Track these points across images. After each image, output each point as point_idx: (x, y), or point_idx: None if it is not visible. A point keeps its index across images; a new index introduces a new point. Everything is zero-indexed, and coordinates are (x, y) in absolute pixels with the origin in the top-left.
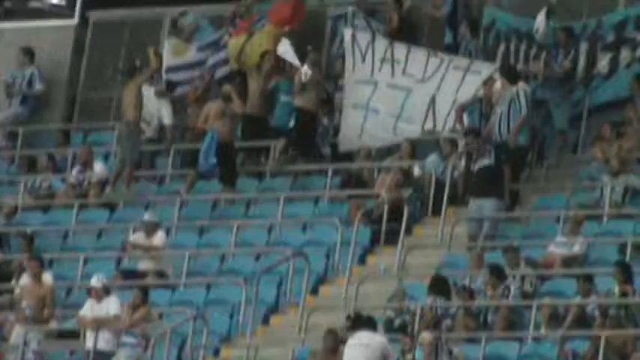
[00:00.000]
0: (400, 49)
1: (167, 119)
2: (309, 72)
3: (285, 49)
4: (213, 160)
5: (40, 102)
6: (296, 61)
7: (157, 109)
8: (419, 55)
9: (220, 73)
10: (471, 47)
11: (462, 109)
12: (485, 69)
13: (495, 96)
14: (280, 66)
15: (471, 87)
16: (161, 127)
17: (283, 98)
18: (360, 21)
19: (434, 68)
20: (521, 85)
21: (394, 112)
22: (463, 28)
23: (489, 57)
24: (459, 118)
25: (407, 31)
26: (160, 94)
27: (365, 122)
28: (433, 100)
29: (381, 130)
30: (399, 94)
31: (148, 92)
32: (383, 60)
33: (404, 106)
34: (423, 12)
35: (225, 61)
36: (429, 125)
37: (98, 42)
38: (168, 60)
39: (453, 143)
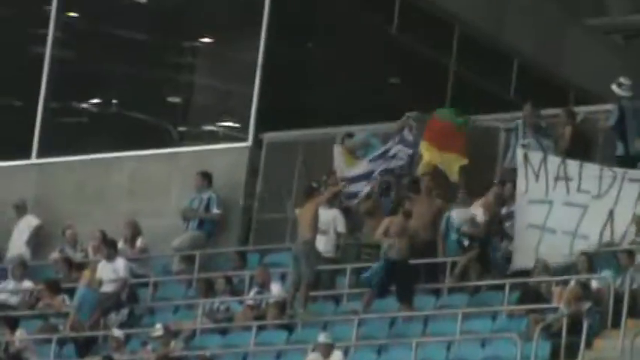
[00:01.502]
0: (572, 166)
1: (341, 227)
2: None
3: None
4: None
5: (217, 225)
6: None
7: (332, 219)
8: (592, 170)
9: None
10: None
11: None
12: None
13: None
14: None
15: None
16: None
17: (453, 236)
18: (531, 140)
19: (609, 182)
20: None
21: (570, 229)
22: (637, 141)
23: None
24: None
25: (580, 144)
26: (331, 203)
27: (540, 243)
28: (611, 214)
29: (558, 249)
30: (576, 212)
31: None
32: (557, 178)
33: (580, 223)
34: (595, 125)
35: (391, 170)
36: (606, 238)
37: (272, 163)
38: (343, 171)
39: (631, 254)
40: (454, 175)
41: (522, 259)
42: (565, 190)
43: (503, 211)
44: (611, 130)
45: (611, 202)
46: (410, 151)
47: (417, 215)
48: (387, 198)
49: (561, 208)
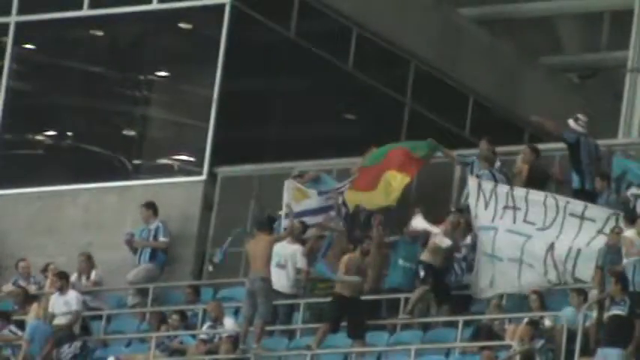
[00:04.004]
0: (519, 196)
1: (301, 263)
2: (448, 242)
3: (417, 223)
4: None
5: (170, 258)
6: (433, 229)
7: (292, 254)
8: (536, 199)
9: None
10: (612, 199)
11: (600, 267)
12: (599, 215)
13: (626, 245)
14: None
15: (586, 235)
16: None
17: (401, 263)
18: (485, 171)
19: (552, 216)
20: None
21: (515, 256)
22: (598, 181)
23: (626, 209)
24: (597, 275)
25: (537, 181)
26: (291, 240)
27: (494, 271)
28: (551, 247)
29: (507, 277)
30: (518, 239)
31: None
32: (505, 207)
33: (523, 251)
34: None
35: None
36: (551, 276)
37: (226, 197)
38: (289, 205)
39: (582, 293)
40: (390, 198)
41: (481, 289)
42: (512, 220)
43: (468, 240)
44: (563, 140)
45: (553, 237)
46: None
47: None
48: (330, 235)
49: (504, 235)
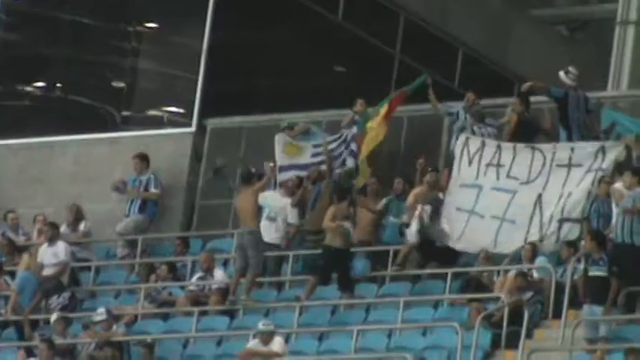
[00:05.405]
0: (506, 153)
1: (292, 217)
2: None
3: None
4: None
5: (159, 209)
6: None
7: (283, 206)
8: (523, 155)
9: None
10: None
11: (586, 218)
12: (585, 158)
13: (616, 195)
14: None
15: (575, 180)
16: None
17: (392, 219)
18: (472, 130)
19: (538, 169)
20: None
21: (498, 214)
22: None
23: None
24: (585, 226)
25: (526, 132)
26: (284, 193)
27: (466, 226)
28: (539, 198)
29: (483, 233)
30: (504, 196)
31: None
32: (488, 164)
33: (508, 208)
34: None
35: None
36: (533, 231)
37: (216, 149)
38: (280, 159)
39: (571, 245)
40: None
41: (445, 236)
42: (495, 176)
43: (441, 195)
44: (551, 99)
45: (539, 188)
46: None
47: (360, 220)
48: (317, 185)
49: (489, 193)
